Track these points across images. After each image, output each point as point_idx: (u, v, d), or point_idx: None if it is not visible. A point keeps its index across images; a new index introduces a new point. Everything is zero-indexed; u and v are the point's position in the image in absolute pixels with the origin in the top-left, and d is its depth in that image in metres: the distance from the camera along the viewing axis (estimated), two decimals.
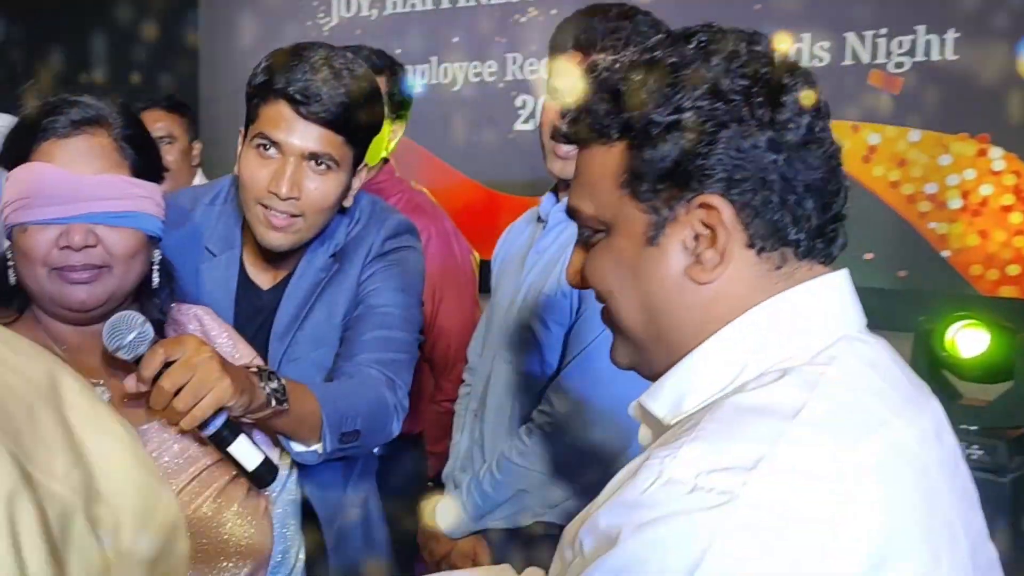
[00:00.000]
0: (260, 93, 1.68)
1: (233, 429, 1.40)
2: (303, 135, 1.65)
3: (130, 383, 1.36)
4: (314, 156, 1.67)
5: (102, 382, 1.42)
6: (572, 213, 1.04)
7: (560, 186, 2.09)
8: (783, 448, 0.84)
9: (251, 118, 1.71)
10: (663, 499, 0.83)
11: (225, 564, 1.41)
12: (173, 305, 1.54)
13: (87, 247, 1.34)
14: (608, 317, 1.04)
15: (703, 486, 0.83)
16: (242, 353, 1.57)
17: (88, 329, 1.42)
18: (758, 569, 0.80)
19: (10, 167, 1.36)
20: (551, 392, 1.99)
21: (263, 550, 1.47)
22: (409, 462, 2.52)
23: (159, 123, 3.37)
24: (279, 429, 1.55)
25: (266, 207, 1.69)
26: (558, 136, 1.95)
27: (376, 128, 1.77)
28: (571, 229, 2.07)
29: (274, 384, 1.45)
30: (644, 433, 1.09)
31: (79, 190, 1.33)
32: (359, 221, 1.86)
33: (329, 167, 1.68)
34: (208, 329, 1.56)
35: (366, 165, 1.80)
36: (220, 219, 1.83)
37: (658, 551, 0.81)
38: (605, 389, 1.93)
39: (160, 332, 1.45)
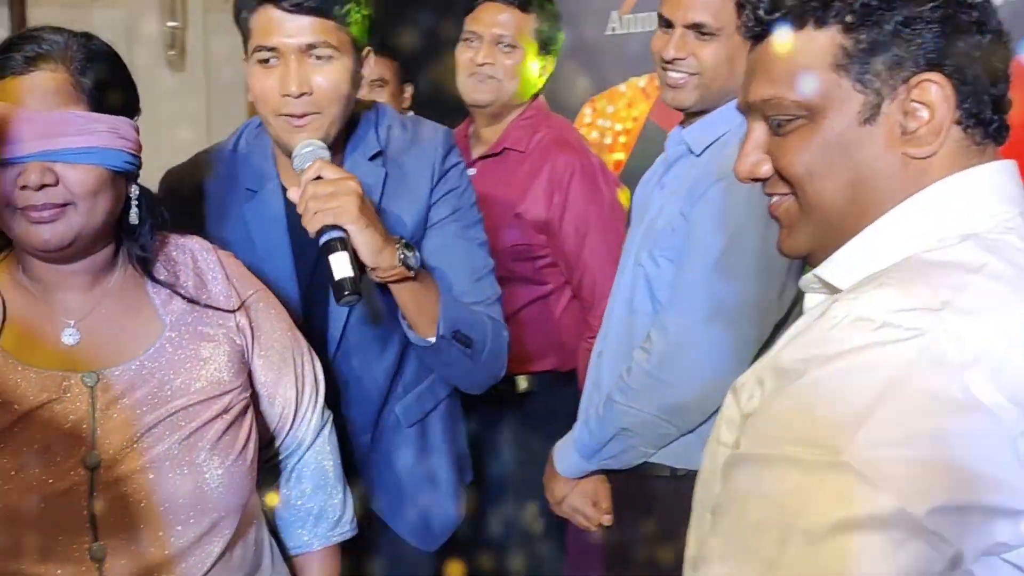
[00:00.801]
0: (245, 6, 1.69)
1: (343, 244, 1.53)
2: (294, 30, 1.64)
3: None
4: (311, 47, 1.65)
5: (73, 323, 1.39)
6: (757, 104, 1.06)
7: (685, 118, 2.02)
8: (969, 294, 0.91)
9: (246, 38, 1.70)
10: (852, 335, 0.89)
11: (198, 517, 1.37)
12: (168, 238, 1.51)
13: (46, 185, 1.29)
14: (786, 207, 1.08)
15: (892, 322, 0.88)
16: (235, 291, 1.52)
17: (65, 268, 1.38)
18: (943, 397, 0.85)
19: None
20: (652, 329, 1.92)
21: (238, 499, 1.42)
22: (561, 401, 2.49)
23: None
24: (403, 304, 1.66)
25: (285, 116, 1.67)
26: (675, 60, 1.90)
27: (366, 5, 1.72)
28: (685, 160, 1.99)
29: (409, 252, 1.60)
30: (812, 305, 1.12)
31: (34, 127, 1.28)
32: (392, 126, 1.84)
33: (331, 56, 1.66)
34: (200, 263, 1.51)
35: (371, 50, 1.76)
36: (249, 157, 1.83)
37: (848, 379, 0.87)
38: (705, 327, 1.86)
39: (146, 268, 1.45)
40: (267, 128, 1.72)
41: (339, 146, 1.75)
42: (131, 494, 1.32)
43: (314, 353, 1.66)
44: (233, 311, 1.49)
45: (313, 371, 1.64)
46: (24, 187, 1.28)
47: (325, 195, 1.54)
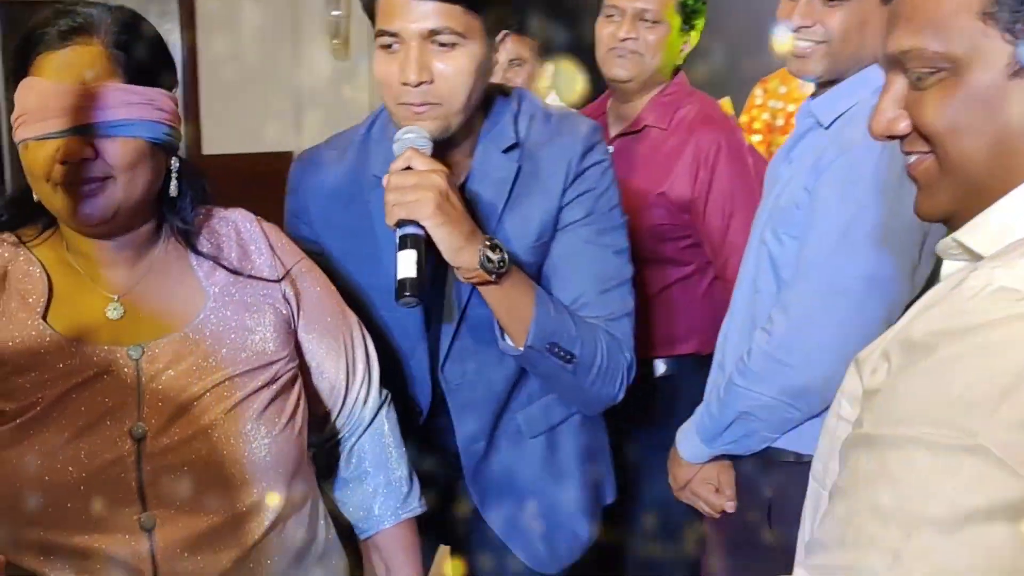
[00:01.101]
0: None
1: (414, 243, 1.46)
2: (416, 14, 1.53)
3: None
4: (434, 33, 1.53)
5: (117, 297, 1.41)
6: (896, 56, 1.00)
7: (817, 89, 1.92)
8: None
9: (372, 21, 1.63)
10: (992, 307, 0.83)
11: (246, 487, 1.38)
12: (212, 211, 1.52)
13: (85, 160, 1.30)
14: (925, 166, 1.01)
15: None
16: (279, 261, 1.52)
17: (108, 243, 1.40)
18: None
19: (16, 83, 1.34)
20: (774, 309, 1.84)
21: (286, 469, 1.43)
22: (702, 385, 2.43)
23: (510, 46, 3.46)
24: (492, 307, 1.59)
25: (405, 104, 1.58)
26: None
27: None
28: (814, 133, 1.89)
29: (493, 254, 1.50)
30: (949, 272, 1.06)
31: (71, 102, 1.28)
32: (534, 117, 1.71)
33: (455, 43, 1.54)
34: (243, 234, 1.51)
35: (508, 34, 1.64)
36: (380, 143, 1.74)
37: (986, 355, 0.81)
38: (828, 306, 1.76)
39: (188, 241, 1.46)
40: (391, 115, 1.65)
41: (469, 135, 1.67)
42: (178, 464, 1.33)
43: (365, 331, 1.65)
44: (277, 280, 1.50)
45: (364, 347, 1.63)
46: (64, 162, 1.29)
47: (407, 187, 1.48)
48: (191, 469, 1.34)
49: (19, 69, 1.33)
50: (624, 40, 2.47)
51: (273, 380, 1.43)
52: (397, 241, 1.48)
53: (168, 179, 1.42)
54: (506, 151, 1.67)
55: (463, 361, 1.73)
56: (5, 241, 1.42)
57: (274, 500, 1.40)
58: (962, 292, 0.86)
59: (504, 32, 1.62)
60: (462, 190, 1.64)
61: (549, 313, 1.58)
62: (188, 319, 1.42)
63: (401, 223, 1.48)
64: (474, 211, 1.62)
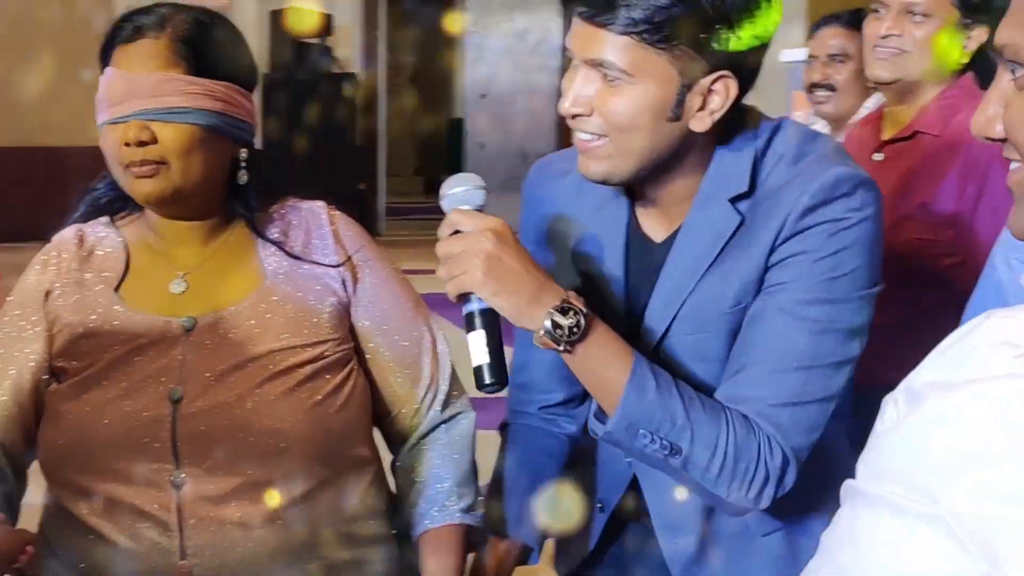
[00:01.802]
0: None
1: (482, 321, 1.32)
2: (580, 39, 1.33)
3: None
4: (597, 64, 1.32)
5: (183, 274, 1.53)
6: (998, 49, 0.90)
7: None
8: None
9: None
10: (990, 361, 0.74)
11: (274, 456, 1.44)
12: (286, 201, 1.60)
13: (143, 143, 1.42)
14: (1018, 178, 0.89)
15: None
16: (342, 248, 1.57)
17: (181, 224, 1.54)
18: None
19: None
20: None
21: (321, 443, 1.47)
22: None
23: (833, 40, 3.27)
24: (577, 376, 1.39)
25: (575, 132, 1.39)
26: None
27: (707, 23, 1.28)
28: None
29: (564, 318, 1.29)
30: None
31: (134, 89, 1.43)
32: (781, 159, 1.39)
33: (616, 78, 1.31)
34: (310, 222, 1.58)
35: (724, 76, 1.32)
36: None
37: (967, 413, 0.73)
38: None
39: (252, 226, 1.55)
40: None
41: (685, 178, 1.41)
42: (209, 428, 1.43)
43: (440, 338, 1.63)
44: (336, 266, 1.55)
45: (434, 353, 1.62)
46: (126, 144, 1.42)
47: (455, 256, 1.31)
48: (221, 433, 1.43)
49: (104, 61, 1.48)
50: (886, 37, 2.25)
51: (319, 358, 1.49)
52: (465, 318, 1.34)
53: (237, 167, 1.53)
54: (734, 200, 1.39)
55: None
56: (100, 222, 1.59)
57: (306, 472, 1.46)
58: (972, 339, 0.75)
59: (718, 74, 1.32)
60: (671, 242, 1.44)
61: (645, 394, 1.31)
62: (242, 297, 1.52)
63: (461, 298, 1.33)
64: (674, 266, 1.42)
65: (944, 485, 0.71)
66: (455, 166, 16.43)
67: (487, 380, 1.33)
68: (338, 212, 1.63)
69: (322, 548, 1.48)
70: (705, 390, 1.36)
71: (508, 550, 1.55)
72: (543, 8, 12.31)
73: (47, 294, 1.53)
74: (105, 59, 1.49)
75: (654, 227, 1.46)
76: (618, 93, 1.32)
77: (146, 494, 1.42)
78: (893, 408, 0.78)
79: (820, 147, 1.41)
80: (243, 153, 1.53)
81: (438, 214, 1.39)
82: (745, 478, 1.32)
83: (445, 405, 1.63)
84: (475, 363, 1.33)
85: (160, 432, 1.43)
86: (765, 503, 1.34)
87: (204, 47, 1.47)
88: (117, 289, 1.52)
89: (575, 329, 1.29)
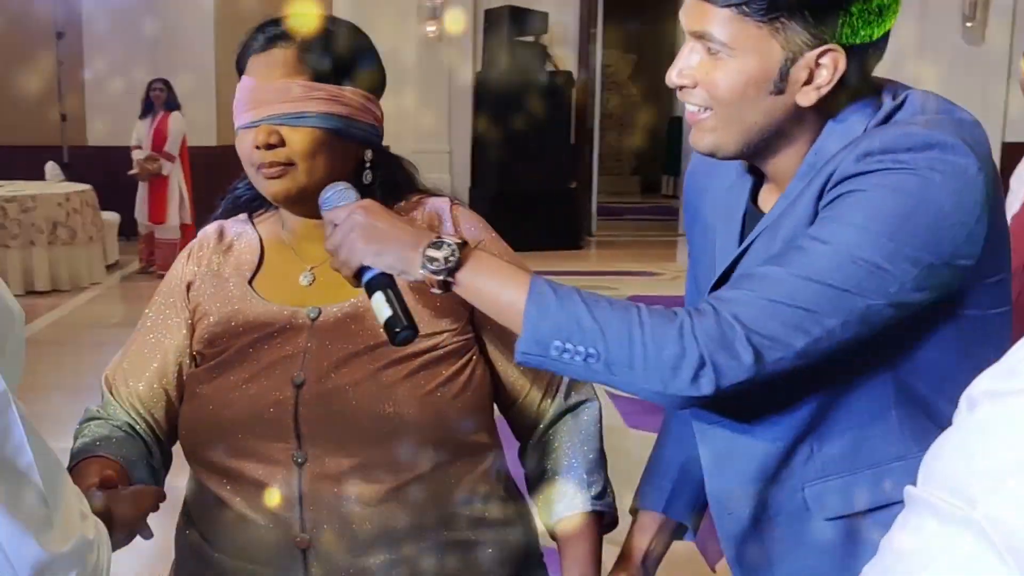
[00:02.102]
0: None
1: (378, 283, 1.41)
2: (687, 12, 1.33)
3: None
4: (700, 36, 1.31)
5: (310, 268, 1.63)
6: None
7: None
8: None
9: None
10: None
11: (388, 438, 1.50)
12: (416, 199, 1.66)
13: (271, 145, 1.51)
14: None
15: None
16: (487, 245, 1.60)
17: (311, 221, 1.61)
18: None
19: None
20: None
21: (434, 428, 1.51)
22: None
23: None
24: (475, 303, 1.40)
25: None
26: None
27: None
28: None
29: (438, 251, 1.34)
30: None
31: (262, 96, 1.52)
32: (892, 127, 1.30)
33: (717, 51, 1.30)
34: (434, 220, 1.62)
35: (831, 50, 1.26)
36: None
37: (1014, 422, 0.73)
38: None
39: None
40: None
41: (795, 151, 1.36)
42: (328, 411, 1.50)
43: None
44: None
45: None
46: (257, 147, 1.52)
47: (338, 243, 1.41)
48: (339, 416, 1.50)
49: (240, 69, 1.58)
50: None
51: (435, 348, 1.55)
52: (365, 291, 1.43)
53: (363, 168, 1.60)
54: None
55: (730, 396, 1.31)
56: (239, 219, 1.72)
57: (421, 455, 1.51)
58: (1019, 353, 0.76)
59: (825, 48, 1.27)
60: (762, 215, 1.41)
61: (546, 307, 1.28)
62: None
63: (358, 278, 1.43)
64: (757, 239, 1.37)
65: (984, 491, 0.71)
66: (674, 165, 16.17)
67: (397, 329, 1.39)
68: (462, 208, 1.68)
69: (435, 529, 1.53)
70: (804, 370, 1.26)
71: (661, 527, 1.65)
72: None
73: (189, 285, 1.66)
74: (240, 67, 1.58)
75: (768, 201, 1.43)
76: (720, 66, 1.31)
77: (270, 470, 1.51)
78: (956, 415, 0.79)
79: (934, 114, 1.29)
80: (368, 154, 1.60)
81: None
82: (674, 364, 1.23)
83: (568, 394, 1.67)
84: (382, 320, 1.40)
85: (283, 414, 1.51)
86: (707, 389, 1.23)
87: (329, 55, 1.54)
88: (251, 282, 1.63)
89: (450, 259, 1.33)
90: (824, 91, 1.29)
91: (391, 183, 1.63)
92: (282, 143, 1.52)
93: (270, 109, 1.51)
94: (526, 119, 10.75)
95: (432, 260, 1.34)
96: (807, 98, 1.30)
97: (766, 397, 1.33)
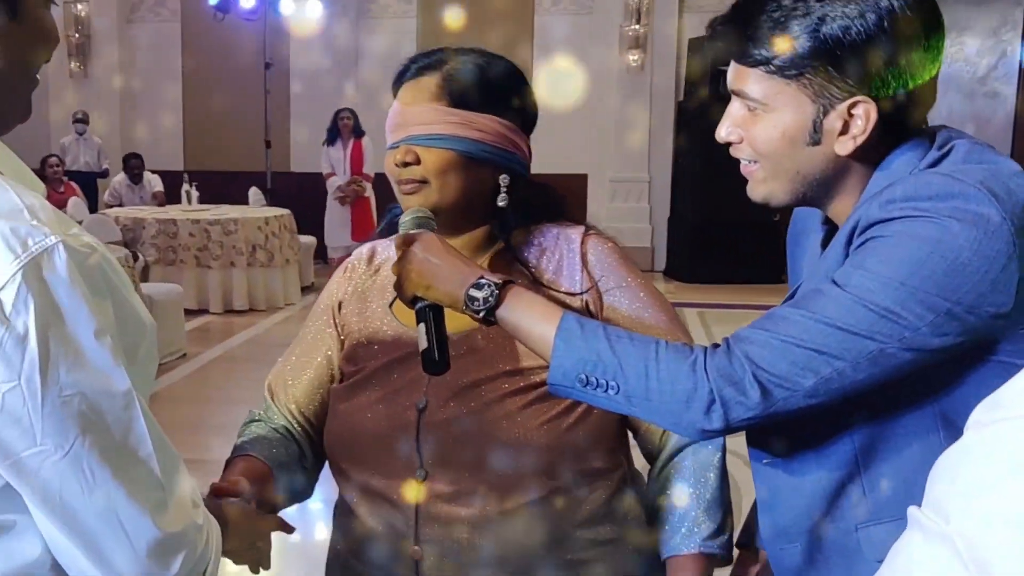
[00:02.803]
0: None
1: (425, 315, 1.47)
2: (730, 72, 1.39)
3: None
4: (738, 94, 1.38)
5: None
6: None
7: None
8: None
9: None
10: (1016, 402, 0.81)
11: (507, 461, 1.56)
12: (549, 227, 1.70)
13: (408, 163, 1.61)
14: None
15: None
16: (588, 277, 1.66)
17: (447, 239, 1.61)
18: None
19: None
20: None
21: (552, 455, 1.56)
22: None
23: None
24: (514, 337, 1.48)
25: None
26: None
27: (831, 53, 1.29)
28: None
29: (479, 291, 1.42)
30: None
31: (405, 119, 1.63)
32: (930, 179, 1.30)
33: (753, 107, 1.37)
34: (564, 248, 1.68)
35: (861, 101, 1.30)
36: None
37: (993, 446, 0.79)
38: None
39: (510, 248, 1.68)
40: None
41: (848, 199, 1.40)
42: (447, 435, 1.58)
43: None
44: (578, 294, 1.64)
45: None
46: (396, 164, 1.62)
47: (400, 272, 1.49)
48: (457, 441, 1.57)
49: (394, 94, 1.68)
50: None
51: None
52: (416, 317, 1.51)
53: (498, 192, 1.66)
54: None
55: (777, 433, 1.42)
56: (390, 244, 1.77)
57: (537, 480, 1.57)
58: (1008, 385, 0.83)
59: (857, 100, 1.32)
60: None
61: (572, 341, 1.37)
62: None
63: (414, 303, 1.49)
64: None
65: (957, 509, 0.78)
66: None
67: (428, 364, 1.46)
68: (593, 238, 1.70)
69: (548, 551, 1.59)
70: (818, 409, 1.30)
71: (765, 565, 1.67)
72: (1001, 30, 11.09)
73: (340, 304, 1.77)
74: (395, 93, 1.68)
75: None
76: (758, 121, 1.38)
77: (393, 484, 1.60)
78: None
79: (976, 164, 1.31)
80: (505, 179, 1.66)
81: None
82: (687, 398, 1.30)
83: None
84: (420, 348, 1.47)
85: (407, 436, 1.60)
86: (718, 424, 1.29)
87: (469, 84, 1.63)
88: (391, 304, 1.71)
89: (489, 299, 1.41)
90: (860, 140, 1.32)
91: (525, 208, 1.68)
92: (417, 161, 1.61)
93: (408, 131, 1.62)
94: (727, 149, 10.35)
95: (473, 300, 1.42)
96: (844, 147, 1.34)
97: (813, 436, 1.39)
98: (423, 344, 1.47)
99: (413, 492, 1.58)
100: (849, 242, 1.32)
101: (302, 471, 1.71)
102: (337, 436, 1.68)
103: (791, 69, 1.32)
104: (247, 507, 1.48)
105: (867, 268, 1.25)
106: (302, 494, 1.73)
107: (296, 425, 1.74)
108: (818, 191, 1.40)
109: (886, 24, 1.28)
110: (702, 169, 10.66)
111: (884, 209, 1.26)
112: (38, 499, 1.07)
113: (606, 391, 1.33)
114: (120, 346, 1.10)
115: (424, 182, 1.61)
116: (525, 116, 1.69)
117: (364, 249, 1.82)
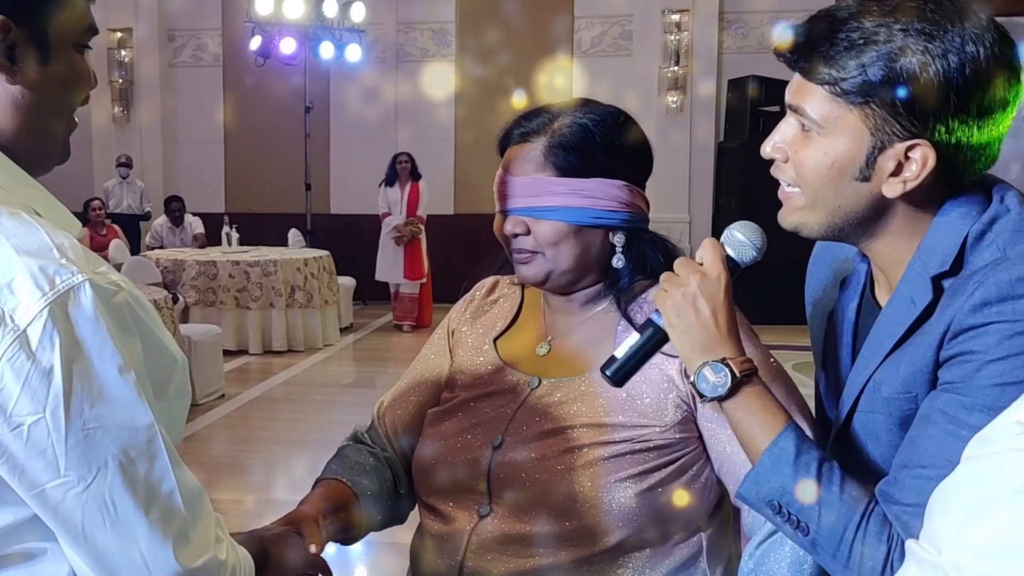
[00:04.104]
0: None
1: (649, 333, 1.40)
2: (792, 84, 1.32)
3: None
4: (796, 110, 1.31)
5: (549, 339, 1.71)
6: None
7: None
8: None
9: None
10: (1002, 436, 0.85)
11: (566, 516, 1.54)
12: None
13: (518, 234, 1.62)
14: None
15: None
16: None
17: (561, 297, 1.70)
18: None
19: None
20: None
21: (621, 519, 1.53)
22: None
23: None
24: (731, 426, 1.40)
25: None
26: None
27: (904, 88, 1.22)
28: None
29: (713, 376, 1.34)
30: None
31: (511, 189, 1.62)
32: (996, 239, 1.27)
33: (808, 127, 1.30)
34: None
35: (920, 144, 1.24)
36: None
37: (978, 480, 0.85)
38: None
39: (618, 305, 1.65)
40: None
41: (894, 243, 1.35)
42: (514, 477, 1.58)
43: None
44: (675, 356, 1.52)
45: None
46: (507, 234, 1.64)
47: (672, 276, 1.39)
48: (523, 484, 1.57)
49: (500, 153, 1.68)
50: None
51: (638, 439, 1.56)
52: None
53: (614, 251, 1.65)
54: (936, 277, 1.31)
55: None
56: (512, 282, 1.83)
57: (600, 539, 1.53)
58: (1005, 416, 0.87)
59: (914, 142, 1.25)
60: (879, 310, 1.40)
61: (780, 465, 1.31)
62: (587, 370, 1.63)
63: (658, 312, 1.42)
64: (874, 337, 1.37)
65: (948, 539, 0.84)
66: None
67: (608, 369, 1.42)
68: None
69: None
70: (876, 475, 1.33)
71: None
72: None
73: (454, 331, 1.81)
74: (500, 153, 1.68)
75: (882, 291, 1.43)
76: (810, 143, 1.32)
77: (456, 513, 1.63)
78: None
79: None
80: (619, 239, 1.64)
81: None
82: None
83: None
84: (616, 353, 1.42)
85: (479, 470, 1.62)
86: None
87: (576, 150, 1.60)
88: (497, 339, 1.75)
89: (719, 388, 1.34)
90: (911, 185, 1.27)
91: (641, 265, 1.66)
92: (527, 232, 1.62)
93: (517, 202, 1.62)
94: (769, 190, 10.24)
95: (704, 379, 1.34)
96: (893, 190, 1.28)
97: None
98: (620, 352, 1.42)
99: (474, 524, 1.60)
100: (940, 344, 1.26)
101: (395, 497, 1.73)
102: (422, 461, 1.69)
103: (857, 95, 1.25)
104: (293, 538, 1.48)
105: (983, 400, 1.21)
106: (393, 520, 1.76)
107: (395, 449, 1.76)
108: (855, 229, 1.35)
109: (967, 70, 1.20)
110: (743, 210, 10.58)
111: (978, 315, 1.21)
112: (62, 529, 1.09)
113: (795, 528, 1.30)
114: (147, 382, 1.12)
115: (536, 252, 1.62)
116: (638, 169, 1.66)
117: (488, 280, 1.85)
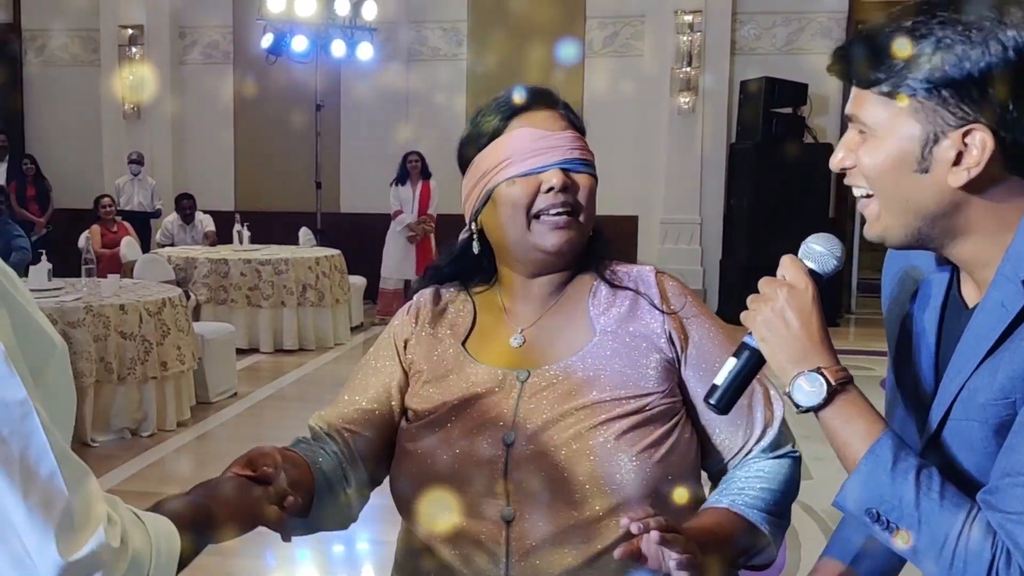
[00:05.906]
0: None
1: (745, 356, 1.40)
2: (851, 96, 1.36)
3: None
4: (852, 119, 1.36)
5: (521, 330, 1.69)
6: None
7: None
8: None
9: None
10: None
11: (598, 498, 1.53)
12: (621, 264, 1.72)
13: (563, 190, 1.59)
14: None
15: None
16: (667, 305, 1.66)
17: (533, 282, 1.70)
18: None
19: (480, 151, 1.67)
20: None
21: (643, 488, 1.53)
22: None
23: None
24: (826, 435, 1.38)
25: None
26: None
27: (945, 76, 1.25)
28: None
29: (808, 386, 1.33)
30: None
31: (551, 142, 1.61)
32: None
33: (862, 131, 1.35)
34: (641, 285, 1.68)
35: (974, 129, 1.25)
36: None
37: None
38: None
39: (593, 287, 1.69)
40: None
41: (979, 241, 1.34)
42: (537, 470, 1.54)
43: (773, 390, 1.67)
44: (667, 313, 1.64)
45: (766, 405, 1.66)
46: (549, 190, 1.60)
47: (757, 295, 1.39)
48: (548, 476, 1.54)
49: (496, 131, 1.65)
50: None
51: (642, 410, 1.58)
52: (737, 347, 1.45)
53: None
54: None
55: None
56: (452, 287, 1.79)
57: (623, 516, 1.46)
58: None
59: (969, 127, 1.26)
60: (971, 315, 1.37)
61: (877, 474, 1.30)
62: (573, 351, 1.65)
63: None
64: (967, 341, 1.35)
65: None
66: None
67: (712, 398, 1.41)
68: (666, 274, 1.72)
69: None
70: (971, 483, 1.32)
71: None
72: None
73: (406, 343, 1.74)
74: (498, 130, 1.65)
75: (969, 292, 1.41)
76: (867, 146, 1.34)
77: (479, 524, 1.55)
78: None
79: None
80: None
81: None
82: None
83: (774, 448, 1.66)
84: (716, 380, 1.41)
85: (494, 472, 1.56)
86: None
87: (578, 117, 1.70)
88: (464, 343, 1.70)
89: (814, 397, 1.33)
90: (975, 172, 1.27)
91: (606, 249, 1.72)
92: (575, 186, 1.61)
93: (561, 154, 1.61)
94: (781, 191, 10.31)
95: (799, 389, 1.34)
96: (957, 179, 1.28)
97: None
98: (720, 379, 1.41)
99: (502, 532, 1.54)
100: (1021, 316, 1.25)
101: (343, 494, 1.61)
102: (411, 477, 1.62)
103: (903, 90, 1.28)
104: (248, 487, 1.40)
105: None
106: (336, 520, 1.63)
107: (342, 445, 1.65)
108: (936, 230, 1.34)
109: (1010, 53, 1.23)
110: (754, 211, 10.57)
111: None
112: None
113: (893, 535, 1.29)
114: (19, 357, 1.04)
115: (573, 212, 1.61)
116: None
117: (428, 291, 1.78)
